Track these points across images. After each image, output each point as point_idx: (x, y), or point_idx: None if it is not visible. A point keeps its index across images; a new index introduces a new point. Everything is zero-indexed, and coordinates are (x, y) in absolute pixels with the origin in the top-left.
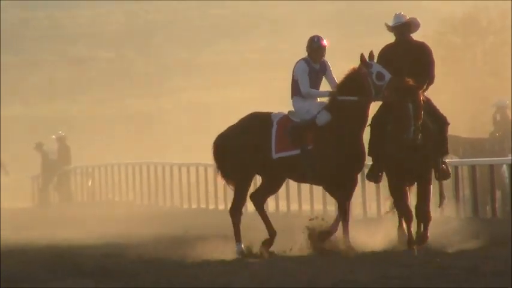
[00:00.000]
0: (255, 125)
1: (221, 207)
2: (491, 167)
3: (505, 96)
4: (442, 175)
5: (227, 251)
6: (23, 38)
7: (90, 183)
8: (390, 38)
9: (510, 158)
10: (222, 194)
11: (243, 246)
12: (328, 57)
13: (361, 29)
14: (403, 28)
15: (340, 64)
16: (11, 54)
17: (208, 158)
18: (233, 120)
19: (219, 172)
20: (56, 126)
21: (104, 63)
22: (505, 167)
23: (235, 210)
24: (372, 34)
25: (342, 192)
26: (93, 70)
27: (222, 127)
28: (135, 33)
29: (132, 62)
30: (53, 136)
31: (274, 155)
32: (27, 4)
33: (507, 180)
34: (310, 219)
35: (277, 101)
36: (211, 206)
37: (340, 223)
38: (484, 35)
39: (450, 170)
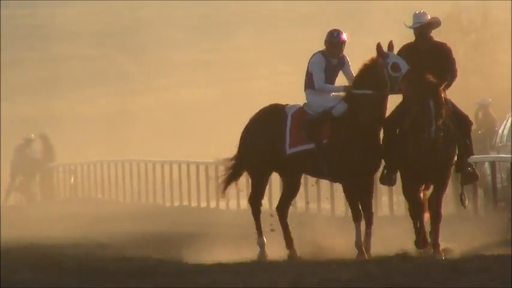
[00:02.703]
0: (269, 118)
1: (203, 204)
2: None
3: (487, 94)
4: (470, 178)
5: (209, 249)
6: (4, 36)
7: (72, 180)
8: (375, 36)
9: (492, 156)
10: (204, 192)
11: (264, 239)
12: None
13: (344, 27)
14: (423, 28)
15: None
16: None
17: (190, 155)
18: (215, 118)
19: (231, 169)
20: (39, 125)
21: (86, 61)
22: (487, 164)
23: (254, 201)
24: (354, 32)
25: (362, 194)
26: (75, 68)
27: (204, 125)
28: (118, 32)
29: (115, 60)
30: (32, 135)
31: (288, 150)
32: (8, 2)
33: (489, 178)
34: None
35: (259, 99)
36: (194, 204)
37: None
38: (465, 34)
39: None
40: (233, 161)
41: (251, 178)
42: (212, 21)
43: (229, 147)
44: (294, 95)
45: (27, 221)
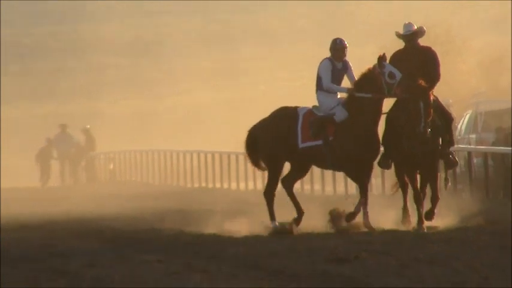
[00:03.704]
0: (283, 118)
1: (218, 185)
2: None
3: (450, 96)
4: (450, 164)
5: (221, 222)
6: (54, 49)
7: (111, 166)
8: (359, 47)
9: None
10: (219, 175)
11: (277, 223)
12: (307, 64)
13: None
14: (411, 36)
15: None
16: (46, 62)
17: (205, 146)
18: (224, 116)
19: (249, 159)
20: (84, 120)
21: (120, 69)
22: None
23: (269, 193)
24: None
25: (361, 177)
26: (111, 75)
27: (216, 121)
28: (145, 45)
29: (143, 68)
30: (64, 123)
31: (300, 145)
32: (55, 19)
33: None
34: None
35: (262, 100)
36: (210, 185)
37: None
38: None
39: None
40: (251, 156)
41: (267, 169)
42: (223, 36)
43: (236, 139)
44: (290, 97)
45: (74, 199)
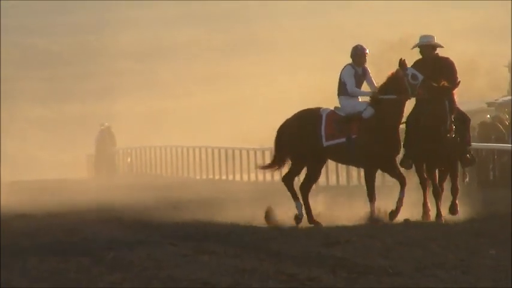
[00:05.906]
0: (307, 119)
1: (223, 177)
2: None
3: None
4: (467, 163)
5: (228, 210)
6: (80, 56)
7: (128, 160)
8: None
9: None
10: (224, 168)
11: (301, 201)
12: (300, 69)
13: (326, 49)
14: (426, 47)
15: (316, 74)
16: (72, 67)
17: (213, 142)
18: (229, 115)
19: (276, 155)
20: (104, 118)
21: (136, 73)
22: None
23: (288, 179)
24: (335, 51)
25: (397, 174)
26: (129, 79)
27: (222, 120)
28: (159, 51)
29: (157, 72)
30: (106, 123)
31: (325, 143)
32: (80, 30)
33: None
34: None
35: (261, 101)
36: (216, 177)
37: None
38: (414, 53)
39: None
40: (277, 152)
41: (292, 163)
42: (226, 44)
43: (238, 135)
44: (285, 98)
45: (96, 189)
